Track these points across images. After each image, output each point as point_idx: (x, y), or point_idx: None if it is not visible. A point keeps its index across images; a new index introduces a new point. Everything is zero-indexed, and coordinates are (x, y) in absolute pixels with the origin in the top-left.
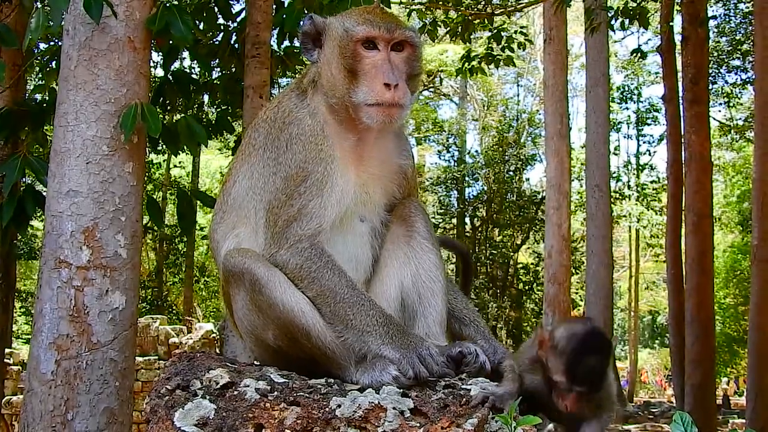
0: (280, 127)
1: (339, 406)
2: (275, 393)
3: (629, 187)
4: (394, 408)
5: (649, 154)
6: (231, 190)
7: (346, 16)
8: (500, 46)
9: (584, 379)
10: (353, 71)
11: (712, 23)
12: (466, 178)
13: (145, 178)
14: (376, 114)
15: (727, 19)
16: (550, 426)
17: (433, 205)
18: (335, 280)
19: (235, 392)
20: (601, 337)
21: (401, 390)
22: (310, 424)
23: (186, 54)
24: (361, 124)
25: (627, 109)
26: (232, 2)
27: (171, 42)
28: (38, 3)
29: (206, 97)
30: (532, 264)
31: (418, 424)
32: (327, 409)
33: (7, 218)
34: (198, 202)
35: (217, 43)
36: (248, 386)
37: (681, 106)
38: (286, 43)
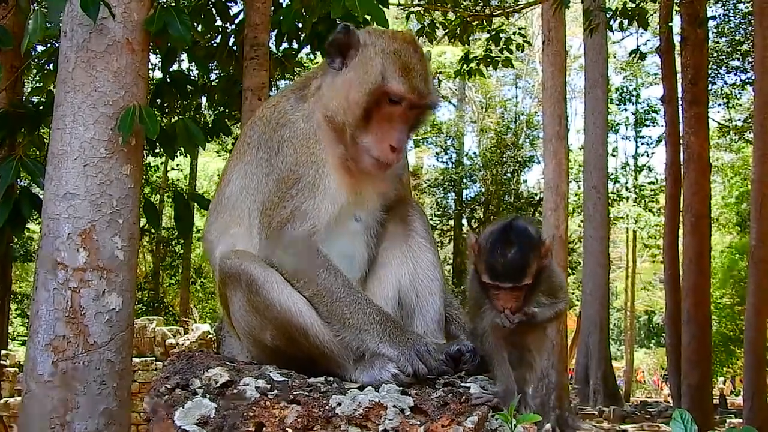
0: (273, 128)
1: (339, 404)
2: (275, 391)
3: (627, 188)
4: (394, 406)
5: (648, 156)
6: (225, 190)
7: (386, 51)
8: (499, 48)
9: (503, 272)
10: (368, 112)
11: (711, 24)
12: (464, 180)
13: (143, 181)
14: (371, 165)
15: (727, 20)
16: (548, 426)
17: (431, 207)
18: (331, 279)
19: (235, 391)
20: (515, 230)
21: (401, 388)
22: (310, 422)
23: (184, 56)
24: (353, 159)
25: (626, 110)
26: (230, 4)
27: (169, 44)
28: (35, 5)
29: (204, 99)
30: None
31: (418, 422)
32: (327, 408)
33: (2, 220)
34: (195, 204)
35: (215, 44)
36: (248, 385)
37: (680, 107)
38: (285, 45)
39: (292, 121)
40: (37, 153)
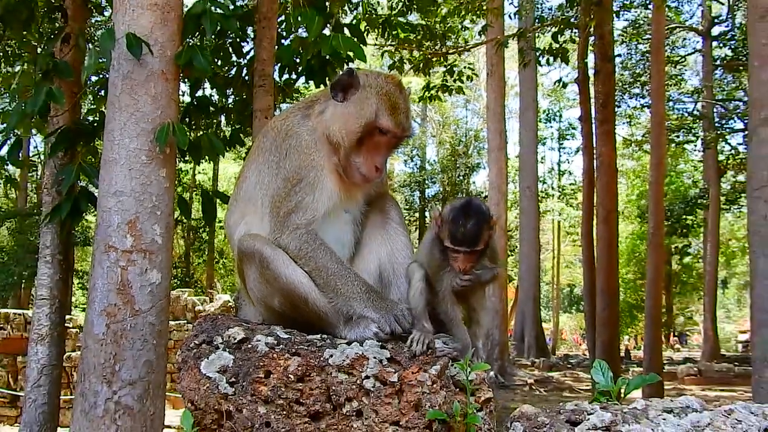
0: (282, 137)
1: (331, 356)
2: (281, 346)
3: (553, 188)
4: (374, 357)
5: (569, 163)
6: (242, 185)
7: (380, 92)
8: (453, 79)
9: (463, 238)
10: (361, 141)
11: (617, 60)
12: (426, 182)
13: (176, 181)
14: (357, 178)
15: (630, 57)
16: (491, 373)
17: (401, 203)
18: (327, 258)
19: (249, 345)
20: (473, 206)
21: (380, 343)
22: (308, 370)
23: (207, 84)
24: (344, 171)
25: (551, 127)
26: (243, 43)
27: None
28: (90, 44)
29: (223, 118)
30: None
31: (393, 370)
32: (322, 359)
33: (64, 213)
34: (217, 200)
35: (231, 75)
36: (260, 341)
37: (593, 125)
38: (285, 76)
39: (298, 134)
40: (93, 160)
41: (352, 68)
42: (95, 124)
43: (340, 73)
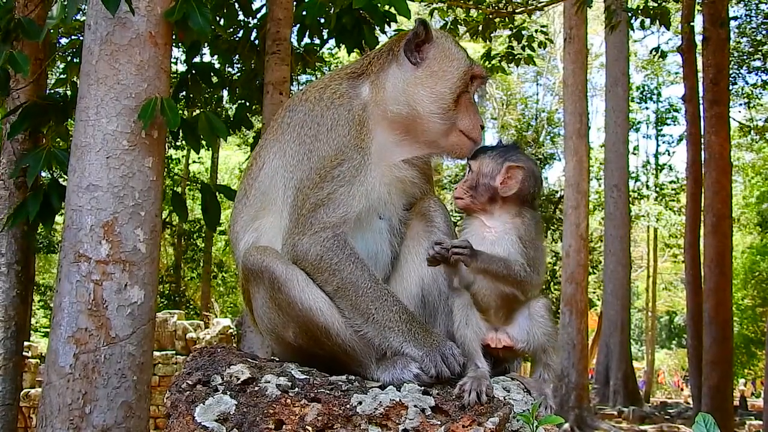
0: (327, 105)
1: (360, 403)
2: (296, 389)
3: (648, 187)
4: (415, 405)
5: (669, 154)
6: (257, 175)
7: (452, 39)
8: (520, 45)
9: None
10: (457, 100)
11: (733, 24)
12: None
13: (164, 174)
14: (465, 147)
15: (749, 20)
16: (566, 425)
17: (451, 203)
18: (357, 273)
19: (256, 388)
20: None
21: (423, 387)
22: (330, 420)
23: (207, 49)
24: (438, 148)
25: (646, 108)
26: None
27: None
28: None
29: (226, 93)
30: (549, 263)
31: (439, 422)
32: (348, 406)
33: (33, 212)
34: (222, 196)
35: (237, 39)
36: (269, 382)
37: (701, 107)
38: (307, 40)
39: (350, 102)
40: (60, 143)
41: (423, 20)
42: (66, 100)
43: (414, 29)
